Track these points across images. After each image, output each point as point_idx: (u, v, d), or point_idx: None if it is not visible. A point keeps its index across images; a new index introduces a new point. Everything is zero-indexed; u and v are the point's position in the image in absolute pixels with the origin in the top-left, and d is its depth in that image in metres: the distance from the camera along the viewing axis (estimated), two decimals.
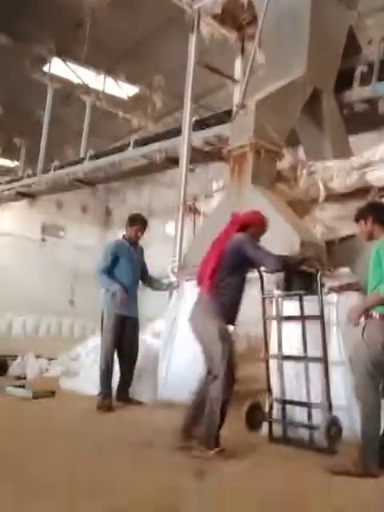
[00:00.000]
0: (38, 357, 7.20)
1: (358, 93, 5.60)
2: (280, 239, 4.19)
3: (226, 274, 3.38)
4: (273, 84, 5.29)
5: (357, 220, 3.43)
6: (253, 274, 3.78)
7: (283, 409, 3.69)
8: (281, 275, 3.72)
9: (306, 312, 3.67)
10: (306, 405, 3.58)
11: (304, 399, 3.62)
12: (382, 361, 3.04)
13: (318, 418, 3.43)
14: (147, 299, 6.29)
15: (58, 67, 12.20)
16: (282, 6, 5.46)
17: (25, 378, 6.50)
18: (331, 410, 3.33)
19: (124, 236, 5.08)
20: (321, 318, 3.48)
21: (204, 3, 6.54)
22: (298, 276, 3.68)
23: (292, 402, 3.70)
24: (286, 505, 2.43)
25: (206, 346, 3.42)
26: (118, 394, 4.84)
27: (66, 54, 11.86)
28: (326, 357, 3.44)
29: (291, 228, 4.18)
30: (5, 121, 14.60)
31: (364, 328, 3.15)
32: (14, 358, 7.22)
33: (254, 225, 3.53)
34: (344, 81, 5.63)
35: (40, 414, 4.32)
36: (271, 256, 3.39)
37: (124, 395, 4.85)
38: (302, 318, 3.68)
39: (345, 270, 4.14)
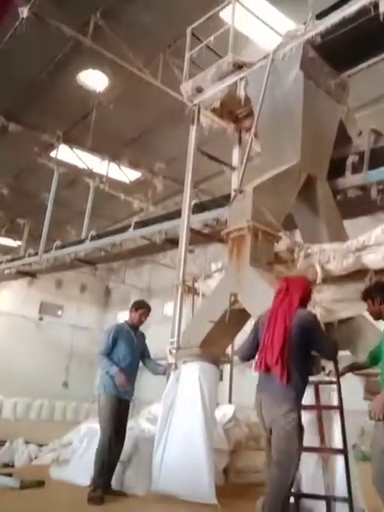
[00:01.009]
0: (27, 443, 6.88)
1: (350, 180, 5.85)
2: None
3: (298, 356, 3.11)
4: (269, 171, 5.55)
5: (365, 299, 3.44)
6: None
7: (297, 503, 3.47)
8: None
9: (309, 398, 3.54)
10: (326, 498, 3.37)
11: (320, 492, 3.42)
12: None
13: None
14: (145, 382, 6.13)
15: (64, 153, 12.82)
16: (276, 101, 5.85)
17: (13, 466, 6.17)
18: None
19: (126, 321, 5.16)
20: (340, 407, 3.33)
21: (203, 98, 7.00)
22: None
23: (311, 496, 3.47)
24: None
25: (281, 439, 3.11)
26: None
27: (72, 141, 12.53)
28: (346, 449, 3.27)
29: None
30: (10, 202, 15.13)
31: None
32: (2, 443, 6.90)
33: (308, 294, 3.31)
34: (337, 169, 5.91)
35: (26, 507, 4.05)
36: (332, 343, 3.24)
37: (109, 485, 4.60)
38: (319, 407, 3.51)
39: (345, 353, 4.09)
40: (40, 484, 4.80)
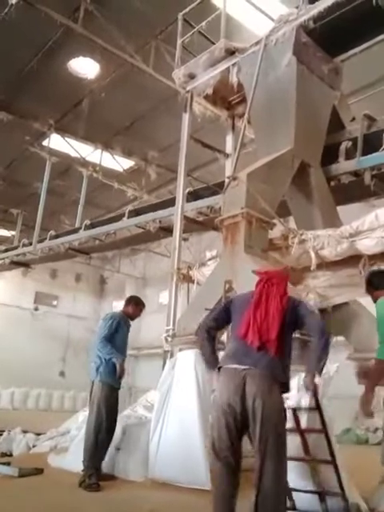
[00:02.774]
0: (25, 432, 6.91)
1: (343, 166, 5.85)
2: None
3: (287, 334, 3.08)
4: (262, 158, 5.54)
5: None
6: None
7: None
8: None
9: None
10: (319, 493, 3.30)
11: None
12: None
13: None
14: (141, 369, 6.16)
15: (56, 142, 12.72)
16: (269, 87, 5.81)
17: (11, 455, 6.21)
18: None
19: (123, 311, 5.20)
20: (324, 431, 3.21)
21: (196, 85, 6.95)
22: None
23: (304, 491, 3.39)
24: None
25: (274, 420, 2.85)
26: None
27: (64, 130, 12.41)
28: (335, 460, 3.20)
29: None
30: (3, 192, 15.02)
31: None
32: (0, 433, 6.93)
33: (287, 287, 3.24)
34: (330, 155, 5.90)
35: (25, 494, 4.09)
36: (320, 319, 3.19)
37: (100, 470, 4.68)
38: (301, 432, 3.35)
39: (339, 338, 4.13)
40: (38, 472, 4.85)
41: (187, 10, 7.09)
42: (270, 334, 2.99)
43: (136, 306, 5.23)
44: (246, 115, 5.77)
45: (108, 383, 4.81)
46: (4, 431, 6.93)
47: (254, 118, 6.00)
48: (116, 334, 4.93)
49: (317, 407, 3.20)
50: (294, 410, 3.35)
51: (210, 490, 4.07)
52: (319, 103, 5.96)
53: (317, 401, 3.17)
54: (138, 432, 5.01)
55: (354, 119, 6.26)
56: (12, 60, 10.00)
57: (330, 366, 3.58)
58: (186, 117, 7.12)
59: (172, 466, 4.45)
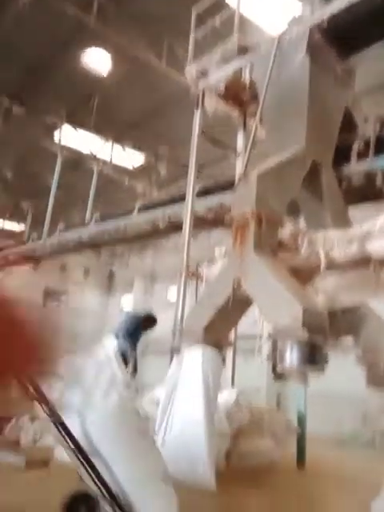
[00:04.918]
0: (33, 419, 6.96)
1: (355, 167, 5.81)
2: (282, 307, 4.20)
3: None
4: (274, 157, 5.52)
5: None
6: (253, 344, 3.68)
7: None
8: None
9: None
10: None
11: None
12: None
13: None
14: (148, 366, 6.20)
15: (67, 136, 12.75)
16: (281, 86, 5.79)
17: (18, 444, 6.28)
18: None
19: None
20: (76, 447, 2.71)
21: (208, 82, 6.94)
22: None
23: None
24: None
25: None
26: None
27: (75, 124, 12.44)
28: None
29: (293, 297, 4.19)
30: (13, 185, 15.09)
31: None
32: (9, 420, 6.99)
33: None
34: (342, 155, 5.87)
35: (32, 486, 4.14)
36: None
37: None
38: None
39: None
40: (45, 464, 4.90)
41: (201, 5, 7.06)
42: None
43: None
44: (258, 114, 5.75)
45: None
46: (13, 418, 6.98)
47: (266, 116, 5.98)
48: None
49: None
50: None
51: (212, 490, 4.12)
52: (332, 103, 5.92)
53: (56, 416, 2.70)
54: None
55: (367, 120, 6.22)
56: (25, 54, 10.04)
57: None
58: (197, 113, 7.11)
59: (175, 464, 4.47)
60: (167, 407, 4.80)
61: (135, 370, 4.96)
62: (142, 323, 5.09)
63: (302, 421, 6.41)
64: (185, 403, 4.67)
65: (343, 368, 4.94)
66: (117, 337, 5.02)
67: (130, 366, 4.90)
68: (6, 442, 6.27)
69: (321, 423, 10.15)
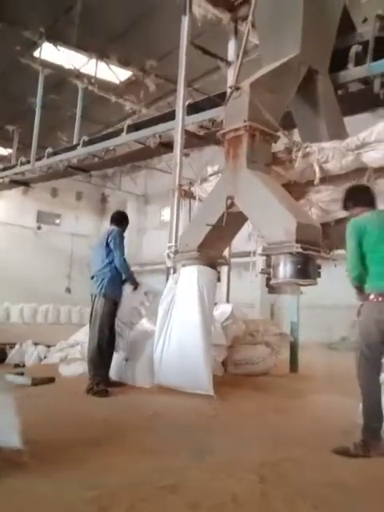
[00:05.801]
0: (36, 344, 7.22)
1: (352, 73, 5.52)
2: (276, 222, 4.18)
3: None
4: (267, 65, 5.23)
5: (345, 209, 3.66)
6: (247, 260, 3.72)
7: None
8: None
9: None
10: None
11: None
12: (373, 342, 3.09)
13: None
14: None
15: (48, 52, 11.98)
16: None
17: (23, 366, 6.53)
18: None
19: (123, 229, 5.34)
20: None
21: None
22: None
23: None
24: None
25: None
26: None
27: (56, 38, 11.63)
28: None
29: (287, 211, 4.15)
30: None
31: (359, 310, 3.21)
32: (13, 345, 7.24)
33: None
34: (338, 61, 5.56)
35: (40, 400, 4.34)
36: None
37: (108, 377, 4.99)
38: None
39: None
40: (51, 380, 5.13)
41: None
42: None
43: (126, 224, 5.37)
44: (250, 18, 5.34)
45: (112, 298, 4.95)
46: (16, 344, 7.24)
47: (259, 21, 5.58)
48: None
49: None
50: None
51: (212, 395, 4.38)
52: (329, 3, 5.51)
53: None
54: (143, 343, 5.24)
55: (365, 20, 5.81)
56: None
57: None
58: (185, 20, 6.66)
59: (174, 374, 4.72)
60: (164, 322, 4.94)
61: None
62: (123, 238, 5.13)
63: (294, 329, 6.71)
64: (181, 317, 4.80)
65: (334, 278, 5.04)
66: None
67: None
68: (11, 365, 6.54)
69: (314, 331, 10.67)
